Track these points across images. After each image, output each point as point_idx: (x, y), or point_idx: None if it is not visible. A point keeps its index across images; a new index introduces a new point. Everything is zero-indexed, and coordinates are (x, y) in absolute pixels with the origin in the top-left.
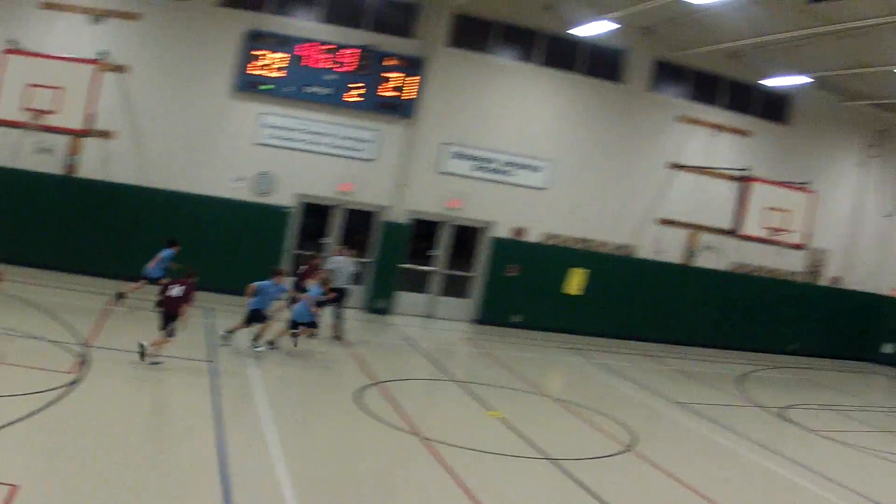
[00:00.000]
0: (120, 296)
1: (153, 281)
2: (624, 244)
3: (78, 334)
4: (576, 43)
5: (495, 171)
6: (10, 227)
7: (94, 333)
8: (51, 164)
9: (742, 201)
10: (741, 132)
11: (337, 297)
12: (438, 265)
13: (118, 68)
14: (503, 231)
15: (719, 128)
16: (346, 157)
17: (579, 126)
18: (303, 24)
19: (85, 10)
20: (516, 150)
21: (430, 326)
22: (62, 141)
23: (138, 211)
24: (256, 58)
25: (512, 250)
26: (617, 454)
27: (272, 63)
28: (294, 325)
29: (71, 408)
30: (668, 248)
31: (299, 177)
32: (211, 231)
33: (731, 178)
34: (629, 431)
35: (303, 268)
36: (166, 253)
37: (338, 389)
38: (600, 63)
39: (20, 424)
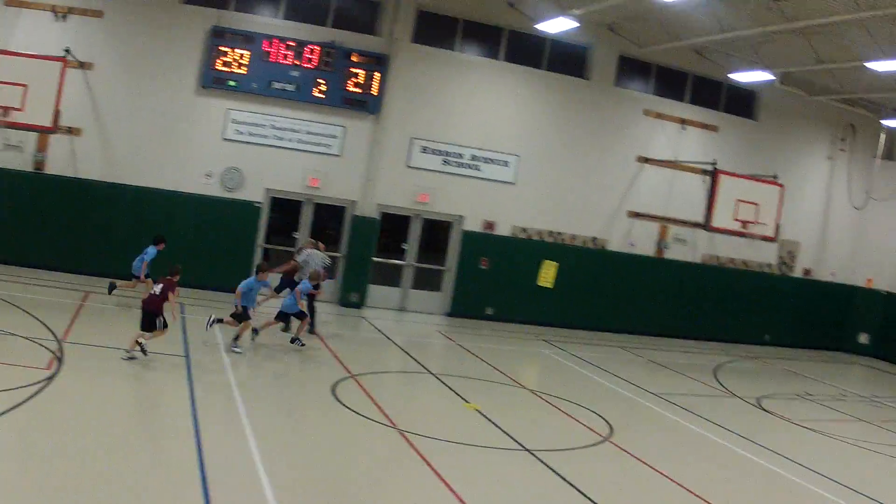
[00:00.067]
0: (112, 287)
1: (136, 277)
2: (595, 237)
3: (52, 330)
4: (540, 39)
5: (463, 165)
6: None
7: (68, 329)
8: (20, 161)
9: (712, 194)
10: (708, 127)
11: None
12: (410, 259)
13: (83, 65)
14: (473, 225)
15: (686, 123)
16: (314, 152)
17: (546, 121)
18: (268, 21)
19: (49, 8)
20: (484, 144)
21: (403, 319)
22: (31, 138)
23: (107, 207)
24: (222, 54)
25: (482, 244)
26: (594, 445)
27: (238, 59)
28: (283, 316)
29: (47, 404)
30: (639, 240)
31: (268, 172)
32: (181, 227)
33: (700, 171)
34: (606, 422)
35: (292, 262)
36: (150, 250)
37: (315, 383)
38: (565, 59)
39: None
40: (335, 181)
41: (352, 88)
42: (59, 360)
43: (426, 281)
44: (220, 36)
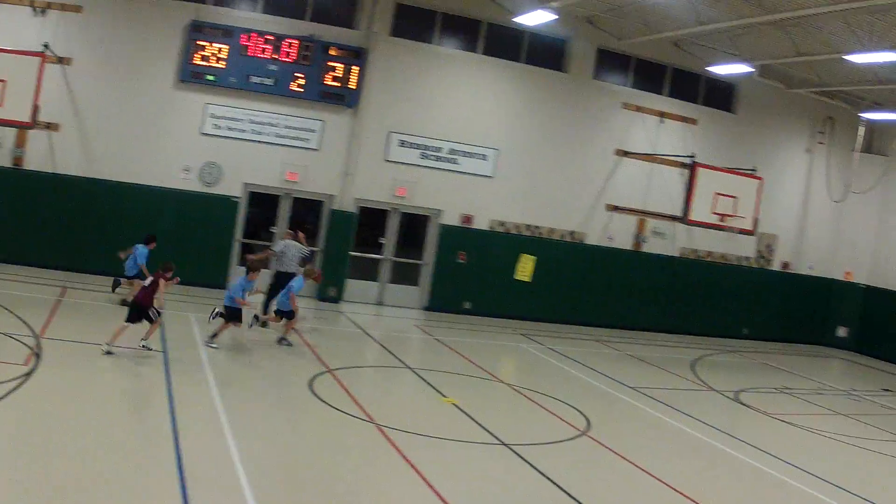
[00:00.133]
0: (117, 283)
1: (130, 278)
2: (573, 231)
3: (30, 326)
4: (518, 32)
5: (442, 159)
6: None
7: (46, 325)
8: None
9: (690, 188)
10: (687, 120)
11: (285, 282)
12: (388, 253)
13: (62, 60)
14: (451, 219)
15: (665, 116)
16: (292, 146)
17: (524, 114)
18: (246, 15)
19: (28, 3)
20: (462, 138)
21: (381, 314)
22: (9, 134)
23: (86, 203)
24: (200, 48)
25: (460, 238)
26: (572, 439)
27: (216, 54)
28: (282, 314)
29: (25, 400)
30: (617, 234)
31: (246, 167)
32: (159, 222)
33: (679, 164)
34: (583, 416)
35: (268, 251)
36: (141, 250)
37: (292, 378)
38: (543, 52)
39: None
40: (313, 175)
41: (330, 82)
42: (37, 356)
43: (404, 275)
44: (198, 30)
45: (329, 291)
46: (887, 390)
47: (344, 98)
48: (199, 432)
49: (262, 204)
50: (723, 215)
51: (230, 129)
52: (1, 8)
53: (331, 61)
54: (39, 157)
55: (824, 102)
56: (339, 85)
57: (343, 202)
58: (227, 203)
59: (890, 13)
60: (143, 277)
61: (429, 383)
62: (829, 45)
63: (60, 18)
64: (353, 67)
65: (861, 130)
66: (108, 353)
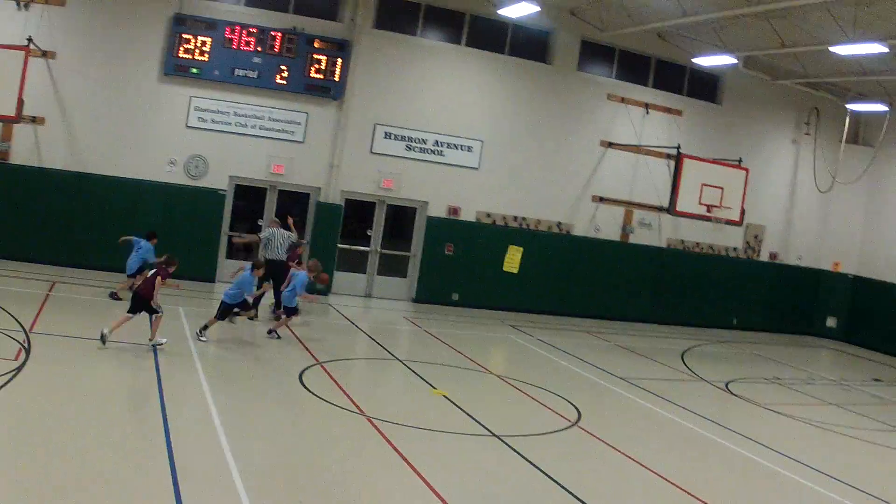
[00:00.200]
0: (113, 296)
1: (131, 276)
2: (560, 222)
3: (19, 321)
4: (502, 24)
5: (427, 150)
6: None
7: (35, 320)
8: None
9: (676, 179)
10: (672, 111)
11: (274, 272)
12: (375, 245)
13: (46, 54)
14: (438, 210)
15: (650, 107)
16: (277, 139)
17: (510, 106)
18: (230, 8)
19: None
20: (447, 130)
21: (369, 306)
22: None
23: (72, 196)
24: (184, 42)
25: (447, 230)
26: (562, 430)
27: (200, 47)
28: (289, 311)
29: (15, 395)
30: (604, 225)
31: (232, 160)
32: (146, 216)
33: (664, 155)
34: (574, 407)
35: (255, 236)
36: (146, 245)
37: (282, 371)
38: (527, 44)
39: None
40: (299, 168)
41: (314, 75)
42: (27, 350)
43: (391, 267)
44: (182, 23)
45: (317, 284)
46: (877, 380)
47: (328, 90)
48: (189, 426)
49: (249, 197)
50: (709, 206)
51: (215, 122)
52: None
53: (315, 54)
54: (25, 151)
55: (810, 94)
56: (323, 77)
57: (329, 194)
58: (214, 196)
59: (874, 5)
60: (143, 268)
61: (419, 375)
62: (813, 36)
63: (44, 12)
64: (337, 60)
65: (847, 121)
66: (103, 338)
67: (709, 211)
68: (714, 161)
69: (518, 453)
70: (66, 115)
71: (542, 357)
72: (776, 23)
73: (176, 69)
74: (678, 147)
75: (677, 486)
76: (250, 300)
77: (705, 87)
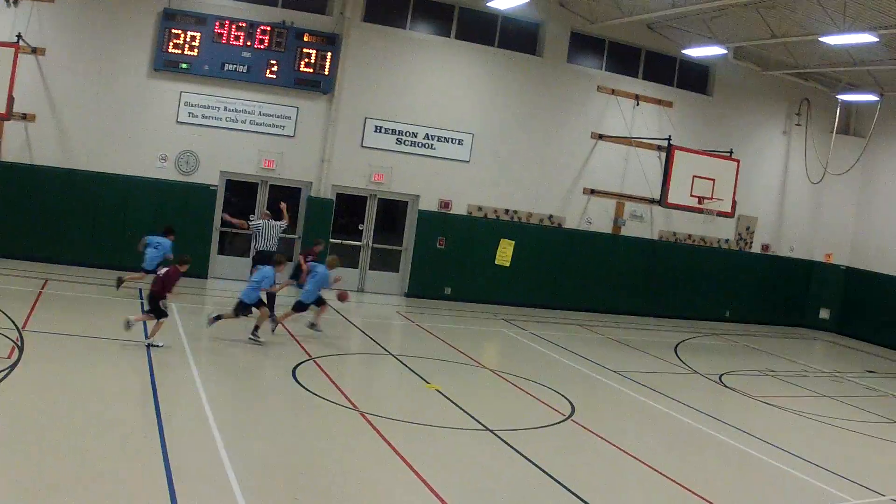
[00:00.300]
0: (121, 282)
1: (149, 272)
2: (551, 215)
3: (11, 319)
4: (491, 16)
5: (418, 144)
6: None
7: (28, 318)
8: None
9: (667, 170)
10: (663, 103)
11: (264, 262)
12: (366, 240)
13: (36, 51)
14: (429, 204)
15: (640, 98)
16: (268, 133)
17: (499, 99)
18: (218, 3)
19: None
20: (438, 123)
21: (361, 300)
22: None
23: (63, 193)
24: (174, 37)
25: (439, 223)
26: (556, 424)
27: (190, 42)
28: (302, 306)
29: (9, 393)
30: (595, 217)
31: (223, 155)
32: (137, 212)
33: (655, 147)
34: (568, 401)
35: (309, 248)
36: (165, 242)
37: (275, 366)
38: (517, 36)
39: None
40: (290, 162)
41: (304, 69)
42: (20, 348)
43: (384, 262)
44: (171, 18)
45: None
46: (870, 372)
47: (318, 84)
48: (183, 423)
49: (240, 192)
50: (701, 198)
51: (205, 117)
52: None
53: (304, 48)
54: (16, 148)
55: (800, 84)
56: (312, 71)
57: (320, 189)
58: (205, 192)
59: None
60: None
61: (412, 370)
62: (803, 26)
63: (33, 9)
64: (327, 54)
65: (837, 112)
66: (128, 325)
67: (700, 203)
68: (705, 152)
69: (512, 447)
70: (56, 111)
71: (535, 351)
72: (766, 13)
73: (165, 64)
74: (669, 139)
75: (671, 480)
76: (264, 297)
77: (695, 78)
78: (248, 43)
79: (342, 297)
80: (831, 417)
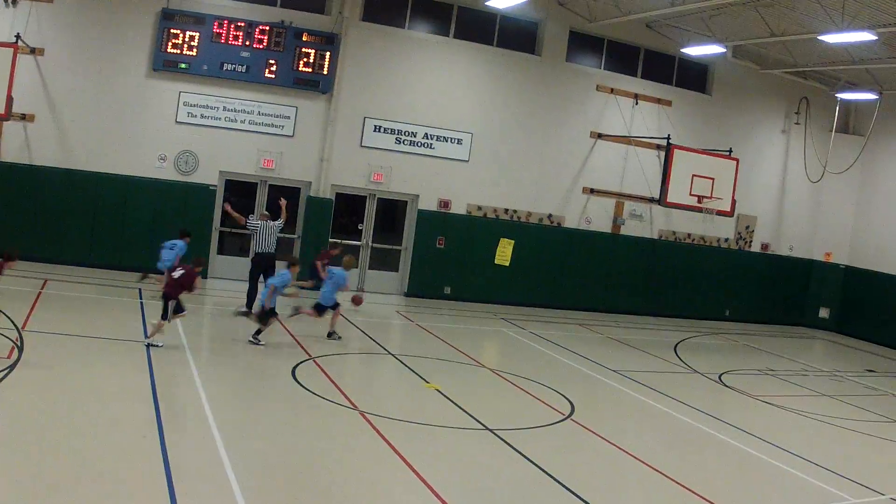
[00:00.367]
0: (144, 276)
1: (169, 270)
2: (551, 214)
3: (11, 319)
4: (490, 15)
5: (417, 143)
6: None
7: (28, 318)
8: None
9: (667, 169)
10: (662, 102)
11: (265, 264)
12: (366, 239)
13: (35, 51)
14: (429, 204)
15: (639, 97)
16: (267, 133)
17: (498, 98)
18: (217, 2)
19: None
20: (437, 123)
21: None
22: None
23: (62, 193)
24: (173, 37)
25: (439, 223)
26: (556, 423)
27: (188, 42)
28: (321, 308)
29: (9, 393)
30: (595, 217)
31: (222, 155)
32: (136, 212)
33: (654, 146)
34: (567, 400)
35: (323, 251)
36: (179, 244)
37: (275, 366)
38: (515, 35)
39: None
40: (289, 162)
41: (303, 68)
42: (20, 348)
43: (383, 261)
44: (170, 18)
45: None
46: (870, 371)
47: (317, 84)
48: (183, 423)
49: (239, 192)
50: (700, 197)
51: (204, 116)
52: None
53: (303, 47)
54: (15, 148)
55: (799, 83)
56: (311, 71)
57: (320, 189)
58: (204, 192)
59: None
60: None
61: (411, 369)
62: (802, 25)
63: (32, 9)
64: (326, 53)
65: (836, 110)
66: (166, 315)
67: (699, 202)
68: (704, 151)
69: (511, 447)
70: (55, 111)
71: (534, 350)
72: (764, 11)
73: (164, 64)
74: (668, 137)
75: (671, 479)
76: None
77: (694, 77)
78: (247, 43)
79: (356, 301)
80: (831, 416)
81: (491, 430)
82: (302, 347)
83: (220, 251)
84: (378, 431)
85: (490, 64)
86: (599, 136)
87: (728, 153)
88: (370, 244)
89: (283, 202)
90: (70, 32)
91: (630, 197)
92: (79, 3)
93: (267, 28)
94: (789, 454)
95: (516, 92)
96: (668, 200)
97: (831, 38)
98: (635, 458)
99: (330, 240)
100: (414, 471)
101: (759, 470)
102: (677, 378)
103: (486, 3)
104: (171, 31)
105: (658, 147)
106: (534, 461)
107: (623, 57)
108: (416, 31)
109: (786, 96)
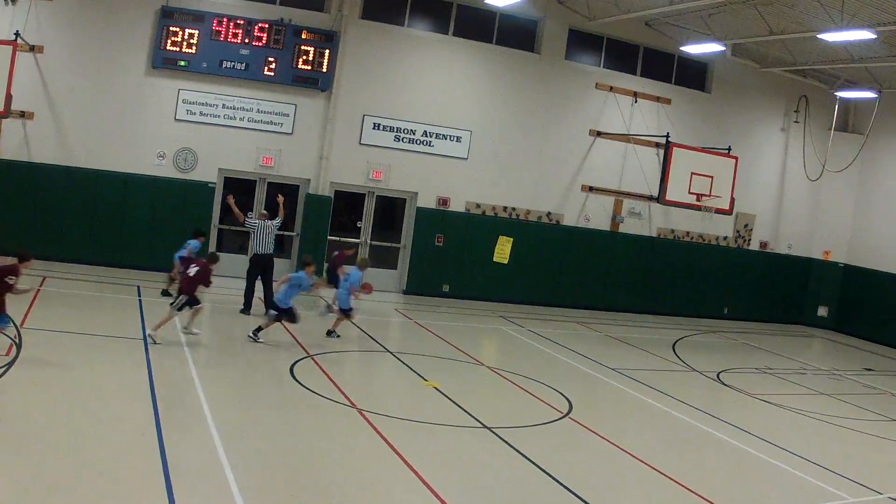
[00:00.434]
0: (166, 292)
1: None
2: (549, 212)
3: (10, 316)
4: (489, 13)
5: (416, 141)
6: None
7: (26, 315)
8: None
9: (666, 167)
10: (661, 100)
11: (263, 265)
12: (365, 237)
13: (34, 49)
14: (428, 201)
15: (639, 96)
16: (266, 131)
17: (498, 96)
18: (216, 0)
19: None
20: (435, 120)
21: (360, 297)
22: None
23: (62, 191)
24: (172, 34)
25: (437, 220)
26: (554, 421)
27: (188, 39)
28: (346, 311)
29: (7, 390)
30: (593, 215)
31: (221, 152)
32: (135, 209)
33: (654, 144)
34: (565, 398)
35: (336, 253)
36: (193, 244)
37: (273, 364)
38: (515, 33)
39: None
40: (288, 160)
41: (302, 66)
42: (18, 346)
43: (382, 259)
44: (169, 16)
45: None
46: (869, 369)
47: (316, 82)
48: (181, 421)
49: (238, 189)
50: (699, 195)
51: (203, 114)
52: None
53: (302, 45)
54: (14, 146)
55: (798, 81)
56: (310, 68)
57: (319, 186)
58: (203, 189)
59: None
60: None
61: (410, 367)
62: (801, 23)
63: (31, 6)
64: (325, 51)
65: (836, 109)
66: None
67: (698, 200)
68: (703, 150)
69: (510, 445)
70: (54, 109)
71: (533, 348)
72: (764, 10)
73: (164, 62)
74: (667, 136)
75: (669, 477)
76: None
77: (694, 75)
78: (247, 40)
79: (367, 289)
80: (829, 415)
81: (489, 429)
82: (300, 345)
83: (220, 248)
84: (377, 430)
85: (489, 62)
86: (598, 134)
87: (727, 151)
88: (369, 242)
89: (280, 199)
90: (69, 30)
91: (629, 195)
92: (78, 0)
93: (266, 26)
94: (787, 453)
95: (515, 90)
96: (666, 198)
97: (831, 37)
98: (633, 456)
99: (328, 237)
100: (412, 469)
101: (757, 468)
102: (676, 376)
103: (486, 1)
104: (171, 28)
105: (657, 145)
106: (532, 459)
107: (622, 55)
108: (416, 28)
109: (785, 95)
